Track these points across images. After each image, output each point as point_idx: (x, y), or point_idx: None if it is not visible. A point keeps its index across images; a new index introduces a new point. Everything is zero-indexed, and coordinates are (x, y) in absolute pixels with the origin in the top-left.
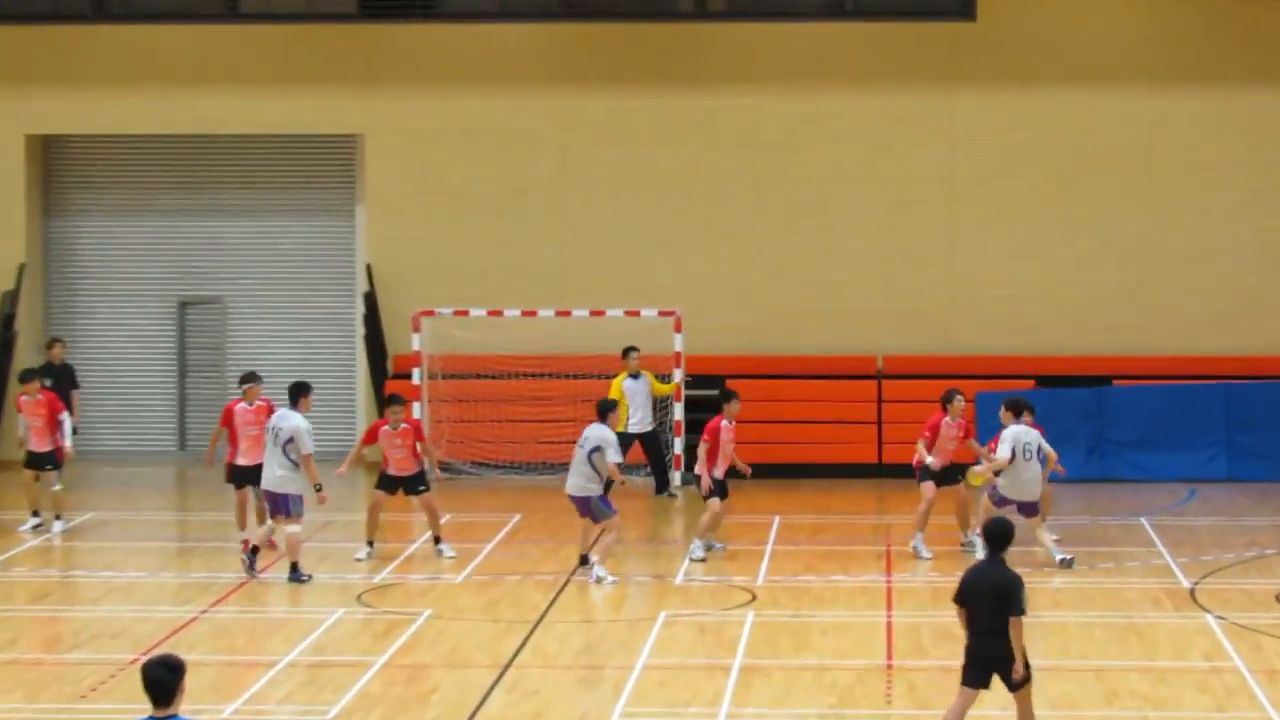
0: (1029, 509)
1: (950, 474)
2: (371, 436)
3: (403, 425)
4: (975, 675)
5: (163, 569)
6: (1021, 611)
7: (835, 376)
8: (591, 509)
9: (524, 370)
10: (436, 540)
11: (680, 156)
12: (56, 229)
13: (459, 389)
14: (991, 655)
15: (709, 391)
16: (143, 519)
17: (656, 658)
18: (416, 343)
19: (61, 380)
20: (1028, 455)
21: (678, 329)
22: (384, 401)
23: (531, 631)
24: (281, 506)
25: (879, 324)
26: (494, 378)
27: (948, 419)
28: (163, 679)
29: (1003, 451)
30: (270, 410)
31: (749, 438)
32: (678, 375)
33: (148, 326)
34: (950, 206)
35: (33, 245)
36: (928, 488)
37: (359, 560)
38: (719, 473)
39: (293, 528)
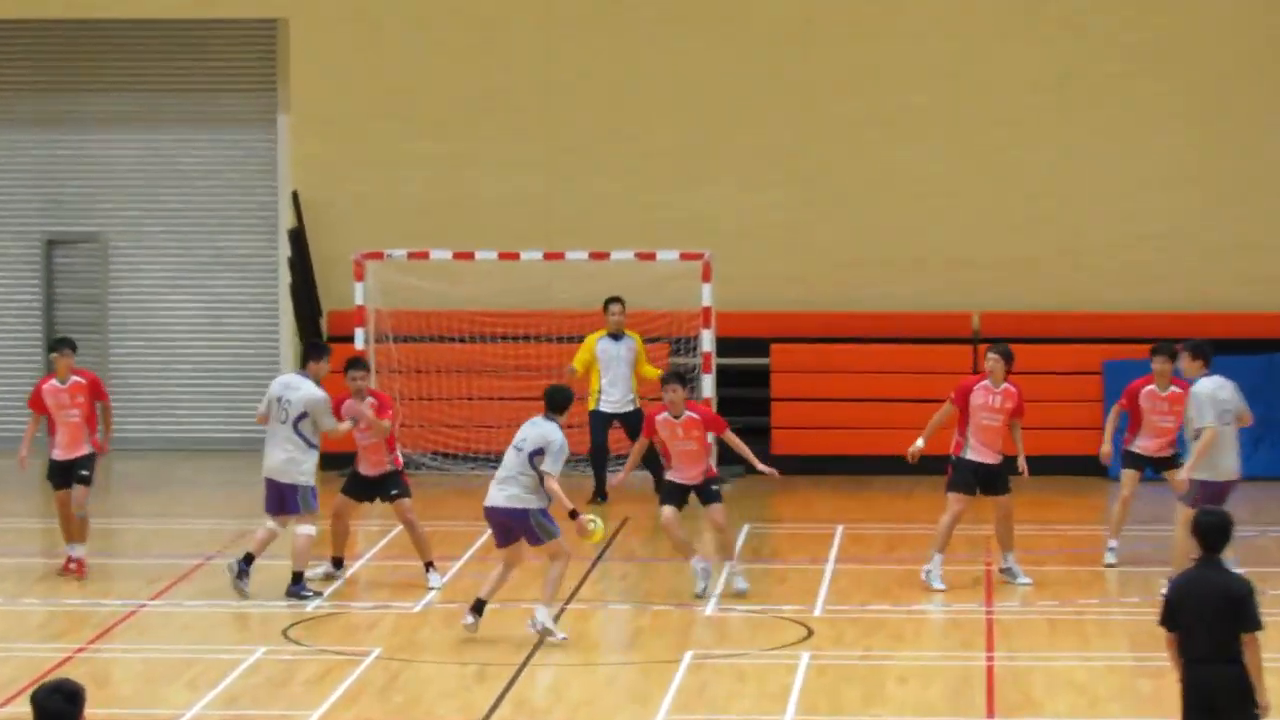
0: (1219, 493)
1: (990, 475)
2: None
3: (369, 398)
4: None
5: (23, 594)
6: (1259, 626)
7: (915, 340)
8: (530, 527)
9: (502, 332)
10: (428, 566)
11: (703, 50)
12: None
13: (416, 356)
14: (1219, 688)
15: (746, 360)
16: (2, 528)
17: (681, 714)
18: (360, 295)
19: None
20: (1226, 420)
21: (706, 277)
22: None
23: (514, 679)
24: (288, 502)
25: (973, 272)
26: (463, 341)
27: (985, 384)
28: (60, 711)
29: (1204, 417)
30: (92, 388)
31: (799, 420)
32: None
33: (1, 273)
34: (1066, 119)
35: None
36: (955, 500)
37: (317, 578)
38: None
39: (305, 528)
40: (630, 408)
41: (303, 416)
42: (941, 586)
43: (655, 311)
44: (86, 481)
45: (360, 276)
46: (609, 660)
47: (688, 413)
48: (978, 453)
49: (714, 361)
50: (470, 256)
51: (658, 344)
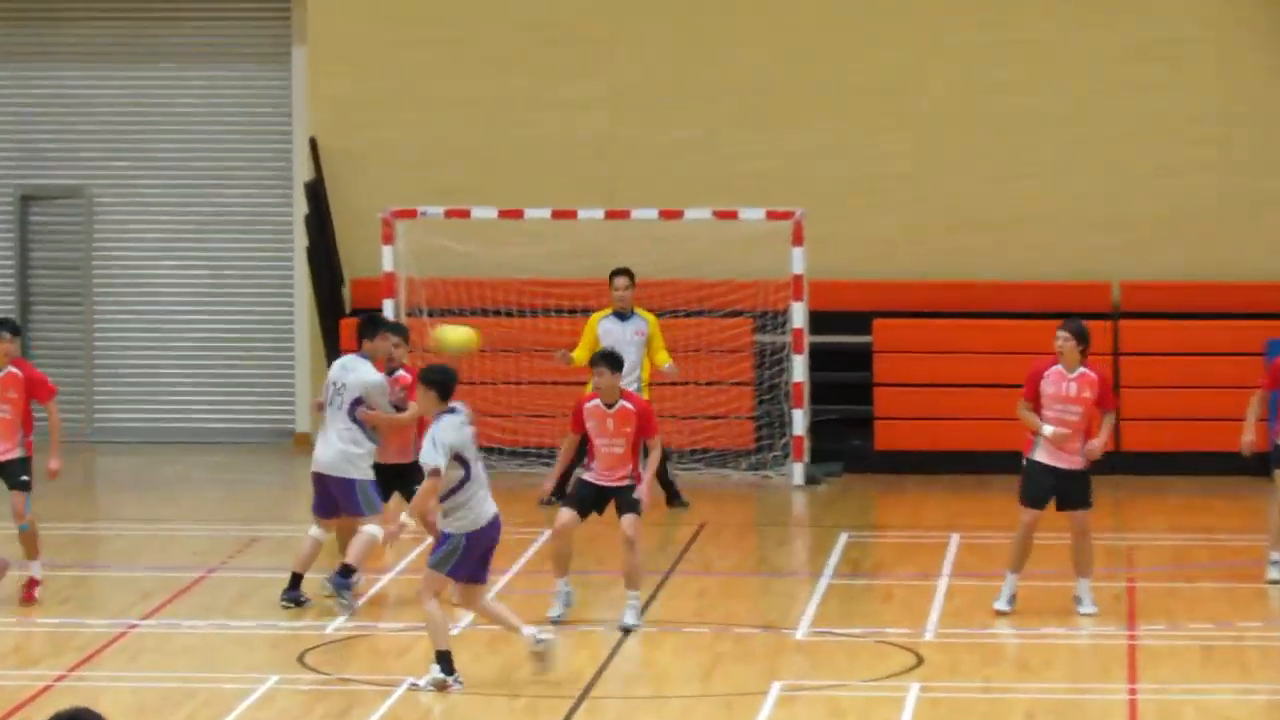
0: None
1: (1066, 482)
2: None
3: (400, 372)
4: None
5: None
6: None
7: (1040, 315)
8: (355, 497)
9: (555, 304)
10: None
11: None
12: None
13: None
14: None
15: (844, 338)
16: None
17: None
18: (388, 260)
19: None
20: None
21: (797, 240)
22: (334, 339)
23: (572, 712)
24: (344, 501)
25: (1113, 235)
26: (509, 315)
27: (1058, 368)
28: None
29: None
30: (29, 384)
31: (906, 410)
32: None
33: None
34: (1228, 55)
35: None
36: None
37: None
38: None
39: (372, 529)
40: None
41: (358, 402)
42: (1005, 608)
43: (737, 281)
44: (25, 487)
45: (389, 238)
46: (683, 692)
47: (622, 402)
48: (1050, 454)
49: (806, 340)
50: (519, 214)
51: (740, 319)
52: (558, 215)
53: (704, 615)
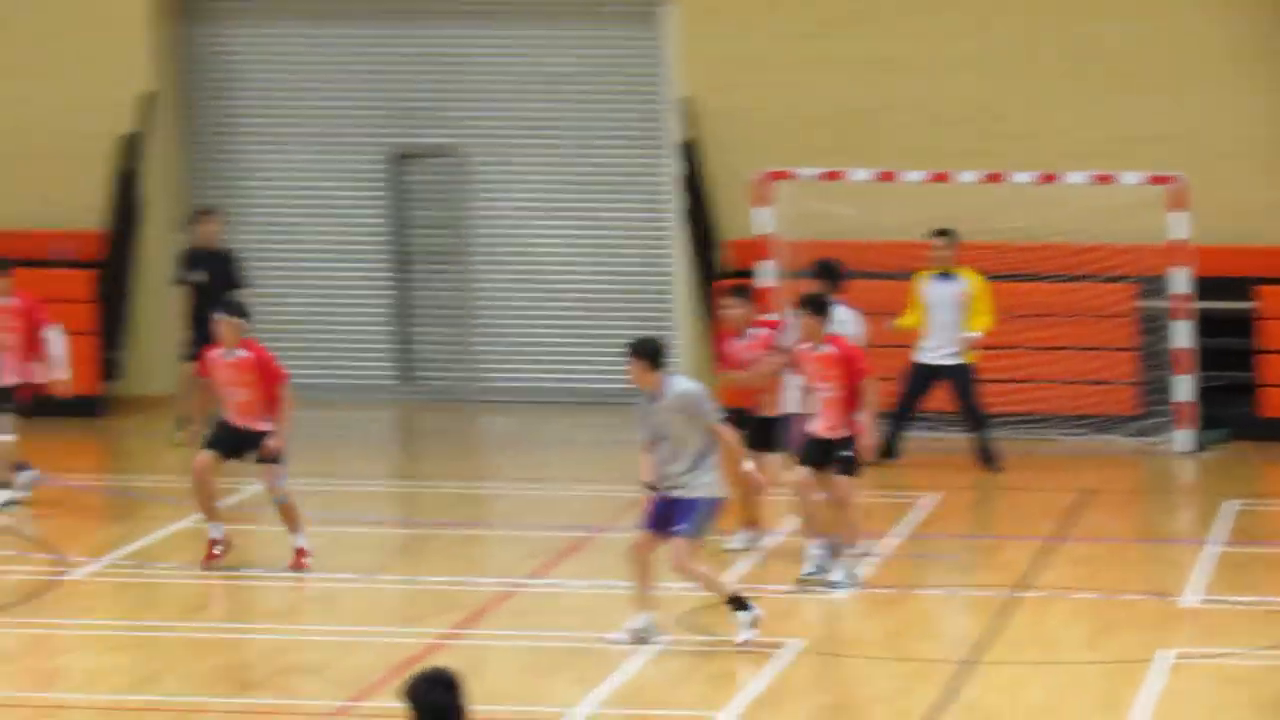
0: None
1: None
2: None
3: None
4: None
5: (380, 569)
6: None
7: None
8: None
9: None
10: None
11: None
12: (201, 40)
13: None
14: None
15: (1226, 304)
16: (350, 491)
17: None
18: (763, 222)
19: (220, 273)
20: None
21: (1178, 205)
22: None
23: (959, 676)
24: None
25: None
26: (883, 278)
27: None
28: (442, 705)
29: None
30: (258, 363)
31: None
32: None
33: (343, 193)
34: None
35: (164, 66)
36: None
37: (730, 550)
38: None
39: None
40: (953, 360)
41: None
42: None
43: (1117, 245)
44: (275, 459)
45: (763, 200)
46: (1072, 659)
47: (826, 347)
48: None
49: (1192, 306)
50: (893, 177)
51: (1121, 284)
52: (934, 178)
53: (1091, 581)
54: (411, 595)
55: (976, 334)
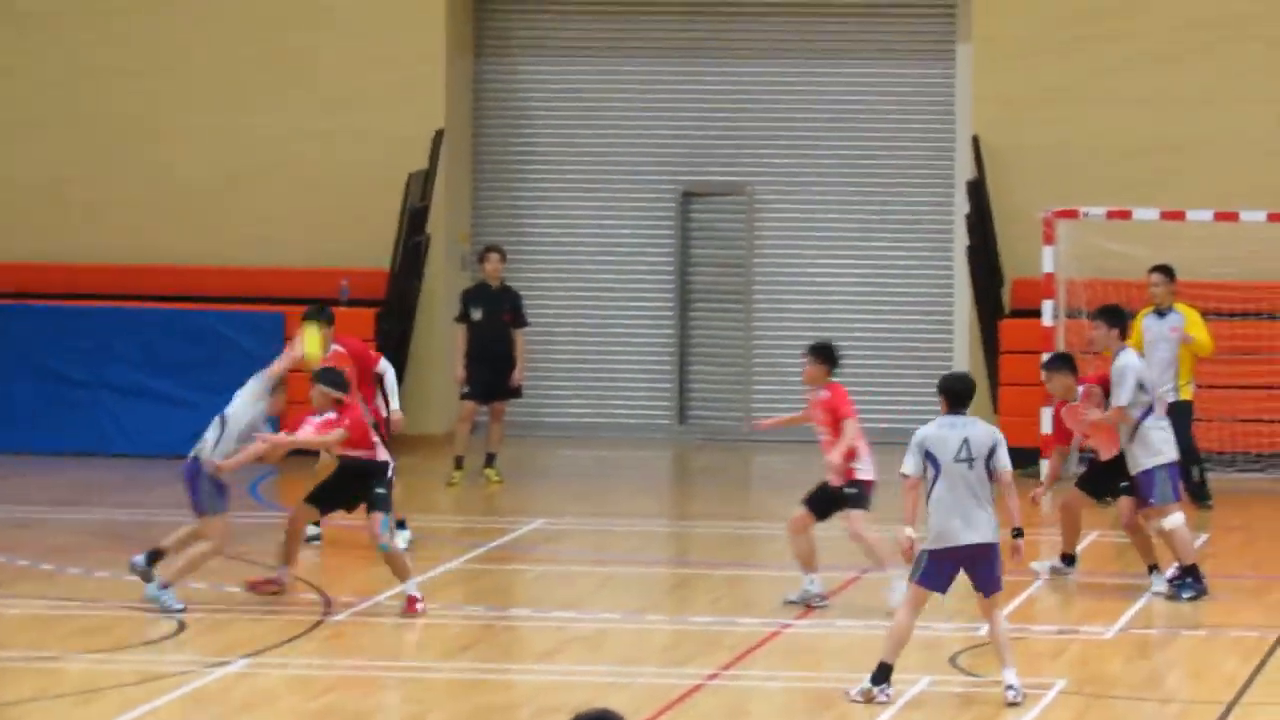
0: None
1: None
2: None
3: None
4: None
5: (650, 609)
6: None
7: None
8: None
9: (1215, 307)
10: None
11: None
12: (492, 76)
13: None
14: None
15: None
16: (620, 529)
17: None
18: (1049, 260)
19: (499, 311)
20: None
21: None
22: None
23: (1224, 717)
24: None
25: None
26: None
27: None
28: None
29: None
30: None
31: None
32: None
33: (631, 231)
34: None
35: (456, 103)
36: None
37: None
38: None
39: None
40: (1173, 397)
41: None
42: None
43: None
44: (381, 505)
45: (1050, 239)
46: None
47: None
48: None
49: None
50: (1181, 216)
51: None
52: (1220, 218)
53: None
54: (679, 636)
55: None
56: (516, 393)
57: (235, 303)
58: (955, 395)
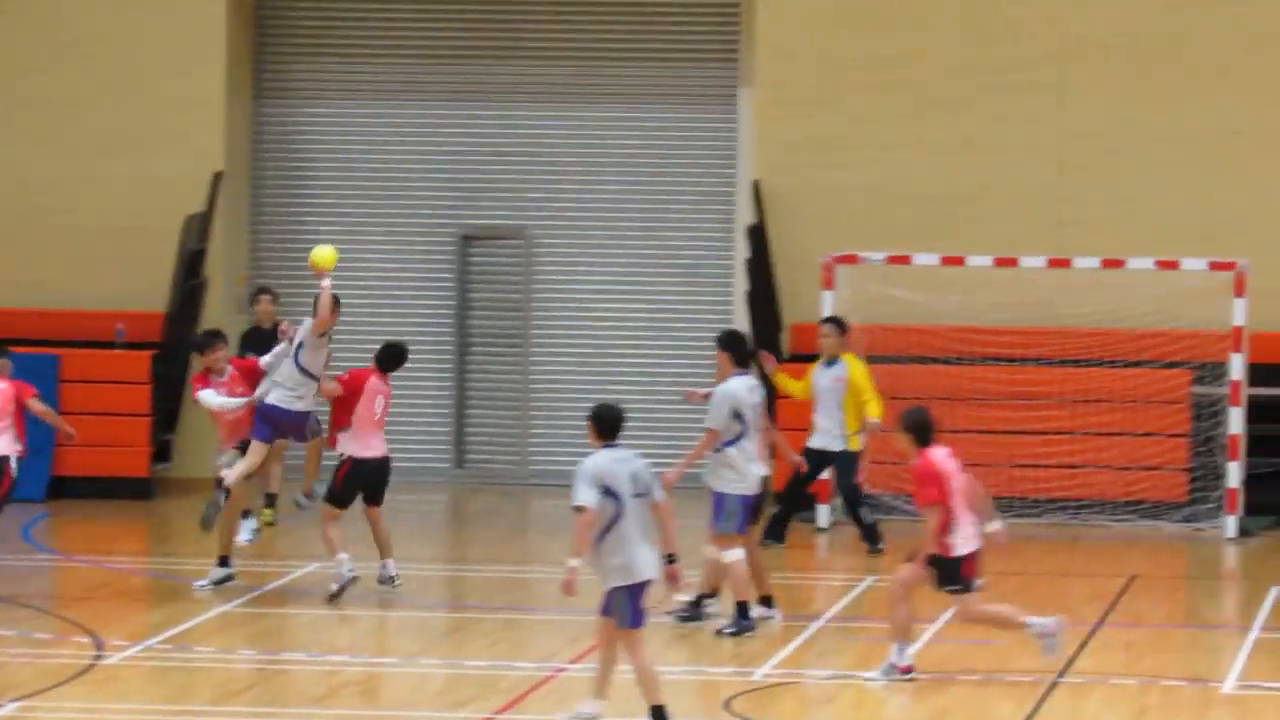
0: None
1: None
2: None
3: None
4: None
5: (425, 652)
6: None
7: None
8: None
9: (995, 353)
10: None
11: (1246, 13)
12: (271, 119)
13: (892, 380)
14: None
15: None
16: (399, 574)
17: None
18: (828, 305)
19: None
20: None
21: (1239, 291)
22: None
23: None
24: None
25: None
26: (948, 363)
27: None
28: None
29: None
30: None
31: None
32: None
33: (410, 274)
34: None
35: (234, 145)
36: None
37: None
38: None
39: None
40: (836, 446)
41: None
42: None
43: (1176, 331)
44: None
45: (830, 284)
46: None
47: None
48: None
49: (1244, 392)
50: (960, 262)
51: (1178, 370)
52: (1000, 263)
53: (1132, 667)
54: (454, 679)
55: (876, 420)
56: (299, 436)
57: (10, 344)
58: (609, 426)
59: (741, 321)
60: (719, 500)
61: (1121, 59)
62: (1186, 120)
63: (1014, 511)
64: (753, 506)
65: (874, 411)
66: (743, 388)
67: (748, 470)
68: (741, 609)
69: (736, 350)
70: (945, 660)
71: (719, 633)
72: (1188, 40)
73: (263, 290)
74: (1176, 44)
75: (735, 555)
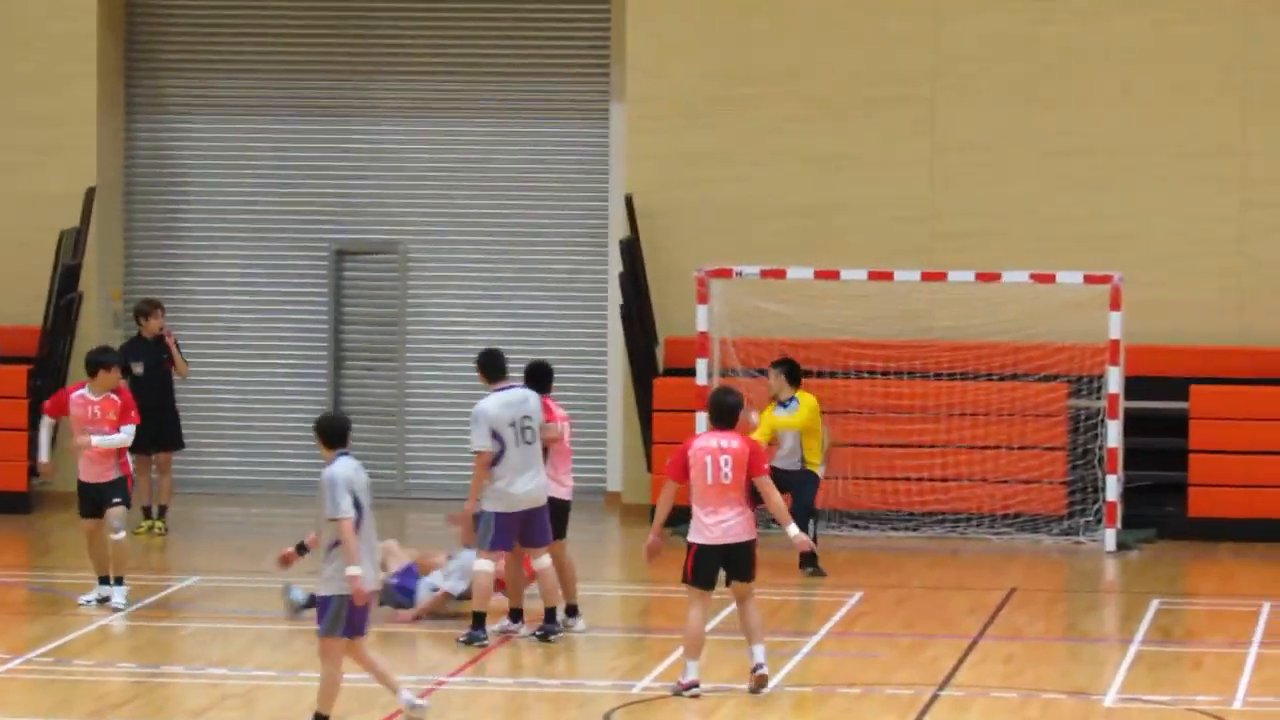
0: None
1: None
2: None
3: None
4: None
5: (305, 666)
6: None
7: None
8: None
9: (870, 366)
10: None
11: (1120, 30)
12: (144, 134)
13: (767, 393)
14: None
15: (1160, 404)
16: (271, 588)
17: None
18: (703, 319)
19: (159, 363)
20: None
21: (1115, 305)
22: (645, 398)
23: None
24: (539, 531)
25: None
26: (823, 376)
27: None
28: None
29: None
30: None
31: (1222, 477)
32: None
33: (284, 289)
34: None
35: (108, 160)
36: None
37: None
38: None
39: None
40: (794, 466)
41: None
42: None
43: (1052, 344)
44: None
45: (704, 298)
46: None
47: None
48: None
49: (1121, 405)
50: (835, 276)
51: (1055, 383)
52: (874, 276)
53: (1012, 680)
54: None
55: (821, 468)
56: (179, 444)
57: None
58: (336, 434)
59: (616, 336)
60: (477, 517)
61: (996, 73)
62: (1061, 134)
63: (891, 525)
64: (526, 521)
65: (815, 461)
66: (494, 405)
67: (505, 489)
68: (478, 619)
69: (484, 368)
70: (827, 674)
71: (457, 640)
72: (1062, 56)
73: (152, 302)
74: (1051, 59)
75: (483, 566)
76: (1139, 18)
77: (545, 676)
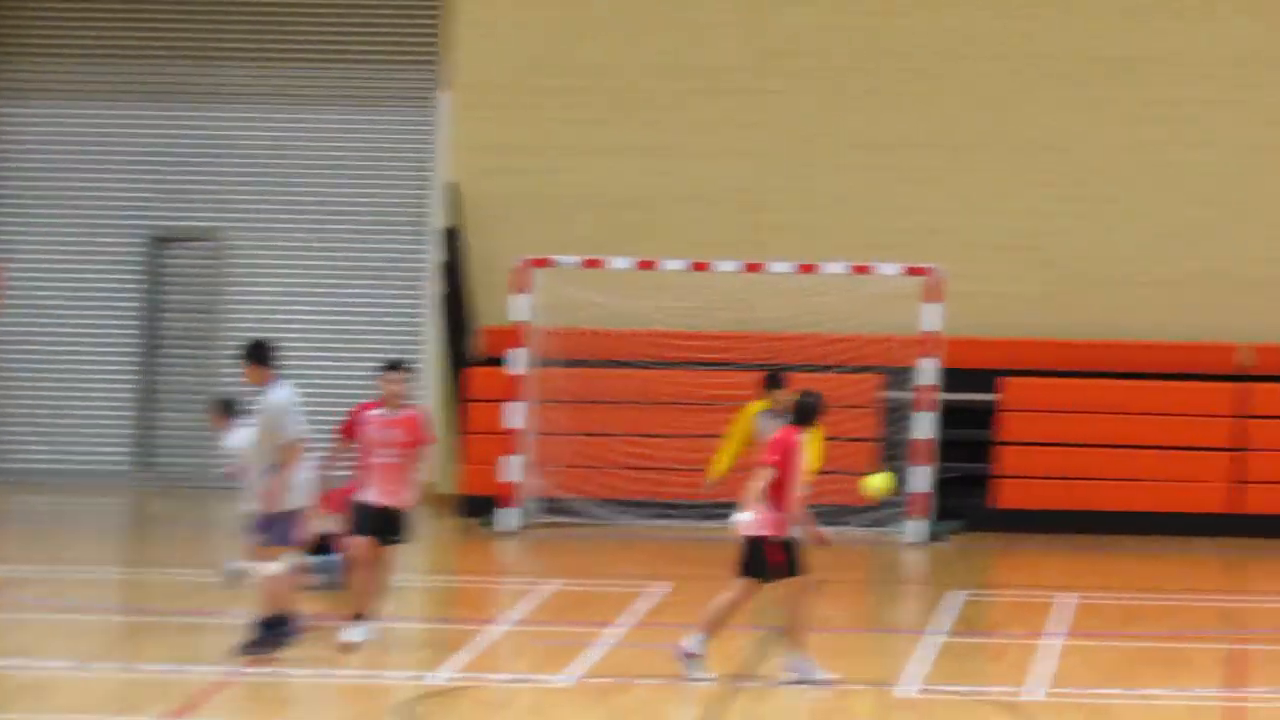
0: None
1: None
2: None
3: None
4: None
5: (101, 656)
6: None
7: (1169, 376)
8: None
9: (689, 357)
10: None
11: (944, 22)
12: None
13: (585, 384)
14: None
15: (969, 395)
16: (74, 578)
17: None
18: (520, 309)
19: None
20: None
21: (933, 297)
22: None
23: None
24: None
25: (1243, 295)
26: (642, 367)
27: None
28: None
29: None
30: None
31: (1029, 469)
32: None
33: (98, 276)
34: None
35: None
36: None
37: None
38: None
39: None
40: None
41: None
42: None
43: (866, 336)
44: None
45: (522, 287)
46: None
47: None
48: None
49: (936, 397)
50: (653, 265)
51: (867, 374)
52: (695, 267)
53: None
54: (129, 683)
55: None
56: None
57: None
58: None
59: (433, 324)
60: (283, 517)
61: (818, 66)
62: (882, 127)
63: (702, 512)
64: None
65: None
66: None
67: (309, 479)
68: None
69: (264, 360)
70: (626, 665)
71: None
72: (885, 49)
73: None
74: (874, 53)
75: (275, 569)
76: (956, 12)
77: (344, 668)
